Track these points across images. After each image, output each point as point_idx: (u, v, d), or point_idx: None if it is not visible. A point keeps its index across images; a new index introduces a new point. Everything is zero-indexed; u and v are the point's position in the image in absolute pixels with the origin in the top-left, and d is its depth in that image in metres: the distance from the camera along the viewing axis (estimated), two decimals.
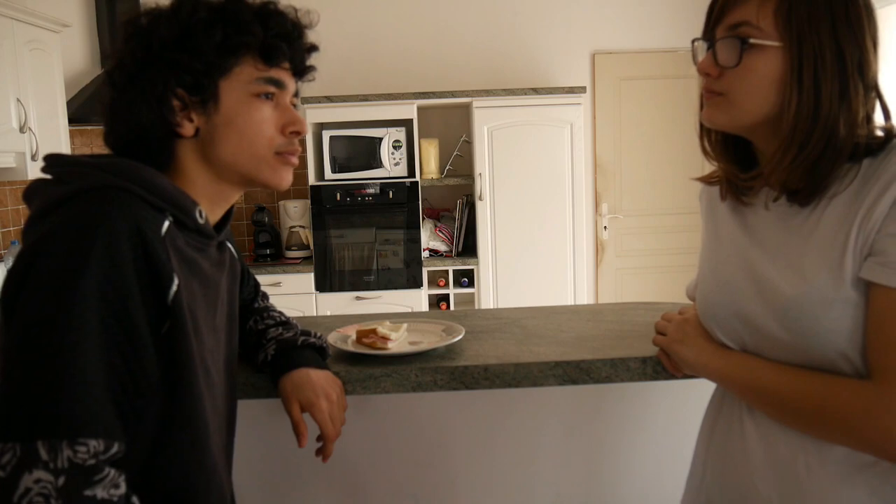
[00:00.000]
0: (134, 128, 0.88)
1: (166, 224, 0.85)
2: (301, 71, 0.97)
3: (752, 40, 0.87)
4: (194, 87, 0.88)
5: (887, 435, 0.81)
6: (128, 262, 0.78)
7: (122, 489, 0.77)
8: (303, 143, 2.44)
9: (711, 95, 0.94)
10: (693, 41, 0.97)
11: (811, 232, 0.89)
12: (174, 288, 0.83)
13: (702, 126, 1.01)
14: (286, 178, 0.96)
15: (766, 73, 0.88)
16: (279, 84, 0.93)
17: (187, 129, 0.90)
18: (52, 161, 0.88)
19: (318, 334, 1.18)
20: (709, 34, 0.94)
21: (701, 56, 0.95)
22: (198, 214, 0.90)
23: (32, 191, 0.87)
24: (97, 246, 0.76)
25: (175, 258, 0.85)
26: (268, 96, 0.92)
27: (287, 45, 0.92)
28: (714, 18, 0.93)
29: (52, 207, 0.82)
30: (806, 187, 0.89)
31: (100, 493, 0.74)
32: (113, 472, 0.77)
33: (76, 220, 0.79)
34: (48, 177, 0.87)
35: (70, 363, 0.74)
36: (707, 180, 1.08)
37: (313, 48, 0.97)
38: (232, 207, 1.03)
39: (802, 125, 0.86)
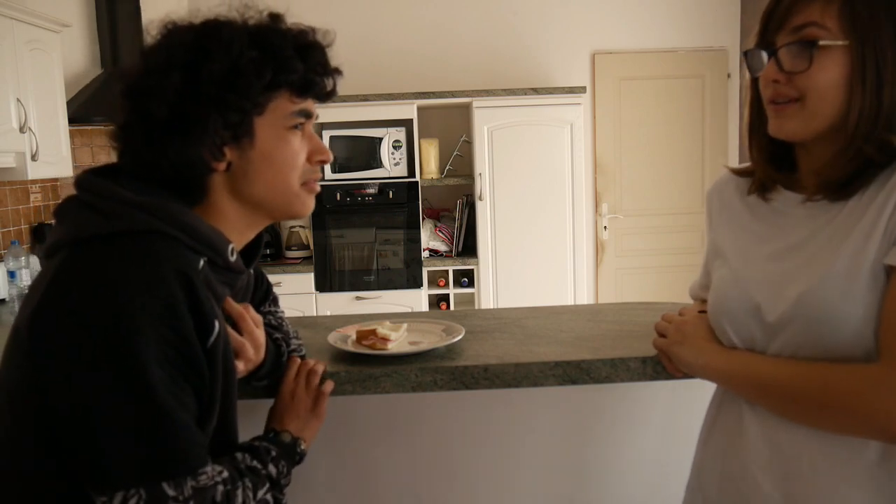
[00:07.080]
0: (175, 164, 0.86)
1: (201, 265, 0.85)
2: (327, 97, 0.97)
3: (821, 42, 0.86)
4: (232, 125, 0.87)
5: (889, 416, 0.81)
6: (182, 307, 0.79)
7: (216, 470, 0.83)
8: None
9: (782, 105, 0.91)
10: (745, 52, 0.95)
11: (834, 223, 0.90)
12: (214, 334, 0.83)
13: (752, 134, 1.00)
14: (311, 206, 0.97)
15: (835, 74, 0.87)
16: (310, 115, 0.94)
17: (221, 164, 0.89)
18: (90, 187, 0.85)
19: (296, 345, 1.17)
20: (767, 41, 0.92)
21: (759, 65, 0.92)
22: (230, 253, 0.90)
23: (65, 210, 0.86)
24: (158, 294, 0.78)
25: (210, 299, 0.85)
26: (298, 126, 0.93)
27: (322, 78, 0.93)
28: (775, 24, 0.91)
29: (90, 240, 0.81)
30: (848, 184, 0.89)
31: (219, 495, 0.82)
32: (209, 470, 0.82)
33: (129, 270, 0.78)
34: (77, 193, 0.86)
35: (161, 407, 0.77)
36: (740, 172, 1.07)
37: (339, 74, 0.96)
38: (262, 238, 1.02)
39: (864, 125, 0.86)
